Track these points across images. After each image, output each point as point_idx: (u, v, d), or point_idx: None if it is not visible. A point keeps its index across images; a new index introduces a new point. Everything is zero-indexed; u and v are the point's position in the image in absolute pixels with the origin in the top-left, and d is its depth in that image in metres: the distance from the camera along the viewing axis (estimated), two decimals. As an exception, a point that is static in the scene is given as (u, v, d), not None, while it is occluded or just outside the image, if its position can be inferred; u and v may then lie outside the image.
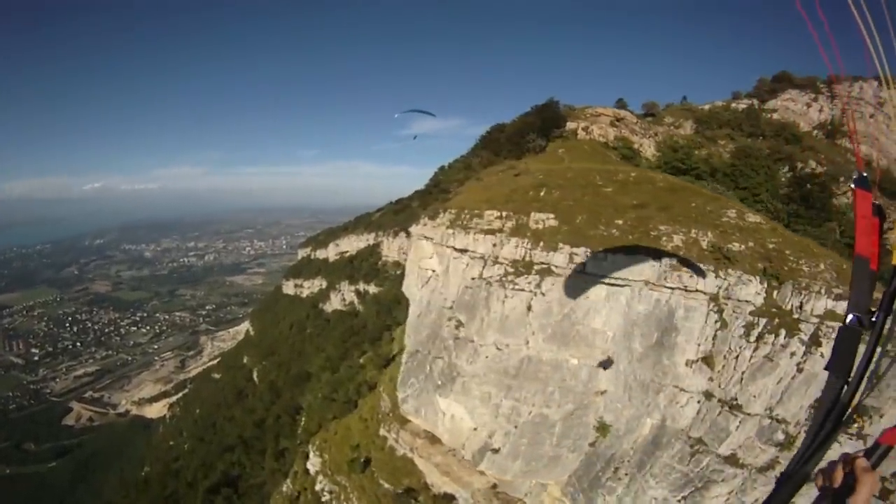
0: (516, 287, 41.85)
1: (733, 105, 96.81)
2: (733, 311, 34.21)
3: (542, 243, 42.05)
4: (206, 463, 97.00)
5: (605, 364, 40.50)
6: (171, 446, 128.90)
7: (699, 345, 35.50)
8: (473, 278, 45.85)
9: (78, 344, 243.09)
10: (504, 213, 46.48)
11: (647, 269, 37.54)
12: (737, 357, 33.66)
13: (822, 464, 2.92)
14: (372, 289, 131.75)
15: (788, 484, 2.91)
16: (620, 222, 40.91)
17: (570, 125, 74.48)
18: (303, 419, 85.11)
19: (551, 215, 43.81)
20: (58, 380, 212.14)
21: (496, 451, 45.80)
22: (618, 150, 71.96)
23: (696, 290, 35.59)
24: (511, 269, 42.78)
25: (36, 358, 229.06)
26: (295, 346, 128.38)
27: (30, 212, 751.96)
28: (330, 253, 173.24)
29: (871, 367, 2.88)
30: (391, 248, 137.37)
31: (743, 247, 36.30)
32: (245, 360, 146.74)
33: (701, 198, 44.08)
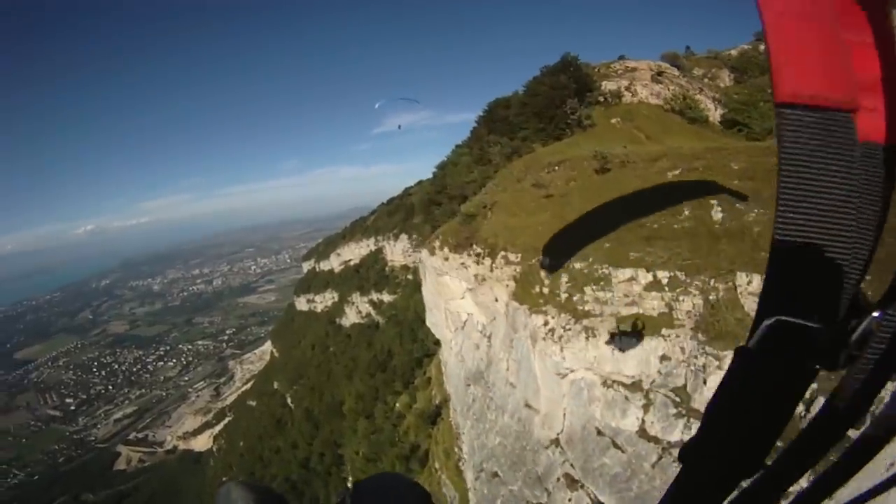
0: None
1: (762, 47, 68.45)
2: None
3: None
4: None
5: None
6: (223, 483, 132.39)
7: None
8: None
9: (110, 387, 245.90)
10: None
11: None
12: None
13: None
14: (386, 297, 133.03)
15: None
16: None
17: (609, 85, 59.15)
18: (349, 474, 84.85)
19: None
20: (99, 426, 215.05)
21: None
22: (682, 113, 57.17)
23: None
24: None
25: (72, 407, 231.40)
26: (321, 366, 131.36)
27: (29, 264, 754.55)
28: (333, 263, 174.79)
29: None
30: (395, 253, 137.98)
31: None
32: (276, 386, 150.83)
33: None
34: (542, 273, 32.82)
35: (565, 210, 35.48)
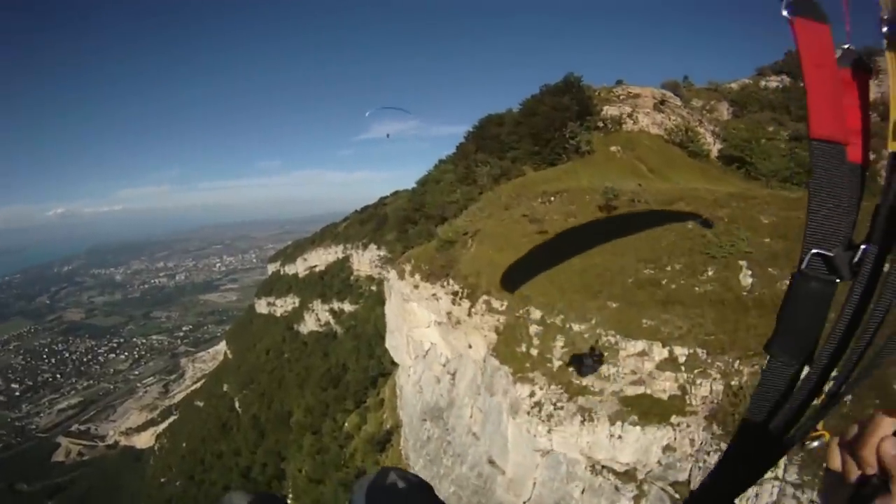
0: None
1: (763, 83, 75.68)
2: None
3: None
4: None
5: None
6: (161, 484, 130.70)
7: None
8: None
9: (58, 376, 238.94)
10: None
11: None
12: None
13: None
14: (347, 307, 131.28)
15: None
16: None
17: (610, 110, 57.64)
18: (289, 491, 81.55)
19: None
20: (42, 415, 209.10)
21: None
22: (683, 145, 56.12)
23: None
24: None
25: (17, 393, 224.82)
26: (274, 372, 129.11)
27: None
28: (299, 268, 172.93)
29: (867, 339, 1.56)
30: (361, 262, 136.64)
31: None
32: (225, 388, 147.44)
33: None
34: (532, 330, 28.34)
35: (562, 251, 31.75)
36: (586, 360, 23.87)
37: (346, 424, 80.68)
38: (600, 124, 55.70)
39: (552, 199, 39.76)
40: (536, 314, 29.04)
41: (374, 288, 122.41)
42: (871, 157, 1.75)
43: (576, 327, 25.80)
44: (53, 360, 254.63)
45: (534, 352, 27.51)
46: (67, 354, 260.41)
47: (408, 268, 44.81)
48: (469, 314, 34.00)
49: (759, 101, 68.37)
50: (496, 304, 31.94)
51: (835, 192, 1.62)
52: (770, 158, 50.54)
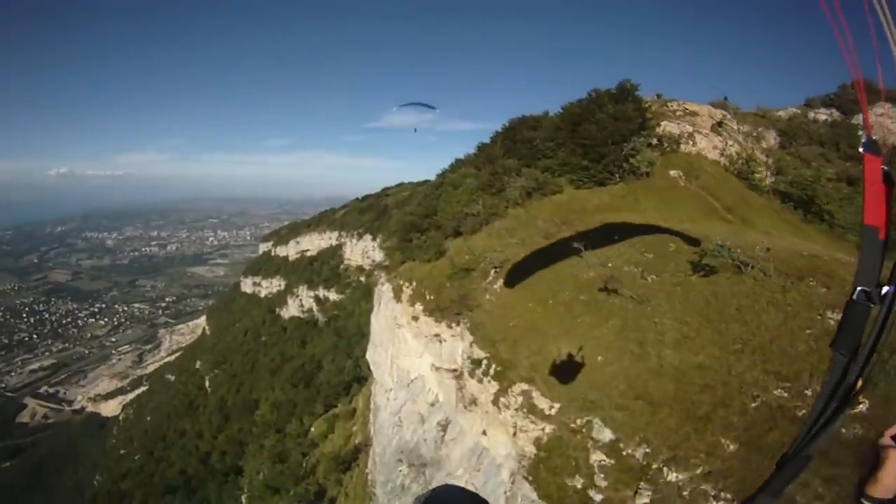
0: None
1: (811, 114, 69.20)
2: None
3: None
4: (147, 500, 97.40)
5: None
6: (121, 456, 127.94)
7: None
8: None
9: (34, 336, 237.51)
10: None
11: None
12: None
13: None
14: (333, 295, 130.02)
15: (790, 466, 2.68)
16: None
17: (669, 127, 51.85)
18: (244, 492, 78.50)
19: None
20: (13, 374, 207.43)
21: None
22: (743, 176, 49.87)
23: None
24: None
25: None
26: (248, 355, 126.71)
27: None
28: (290, 251, 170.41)
29: (882, 343, 2.60)
30: (354, 252, 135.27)
31: None
32: (198, 365, 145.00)
33: None
34: (595, 459, 19.15)
35: (646, 334, 22.31)
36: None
37: (313, 429, 77.81)
38: (654, 141, 48.60)
39: (616, 237, 30.85)
40: (605, 435, 19.52)
41: (362, 279, 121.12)
42: None
43: (672, 475, 17.18)
44: (32, 320, 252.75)
45: (597, 497, 18.45)
46: (47, 315, 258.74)
47: (407, 289, 39.79)
48: (496, 403, 25.15)
49: (808, 133, 61.79)
50: (542, 402, 22.64)
51: (871, 255, 2.52)
52: (842, 205, 44.08)
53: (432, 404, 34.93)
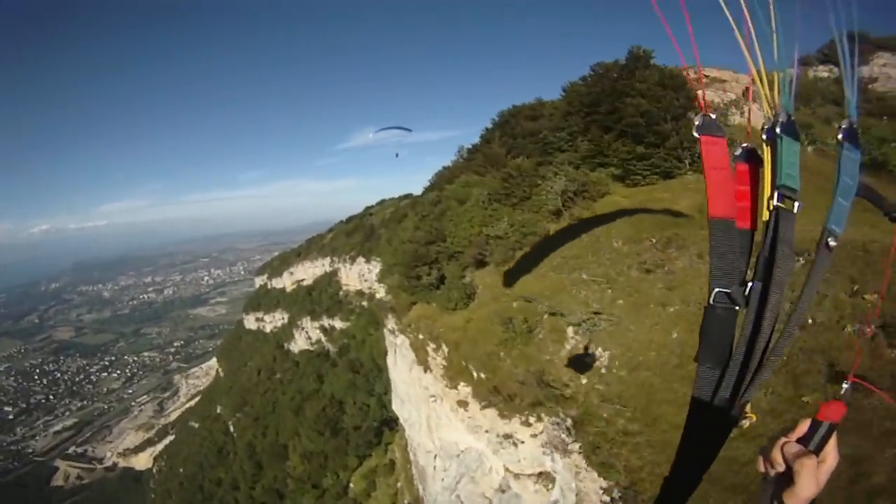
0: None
1: (811, 74, 68.03)
2: None
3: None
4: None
5: None
6: None
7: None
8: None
9: (51, 397, 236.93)
10: None
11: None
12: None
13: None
14: (338, 324, 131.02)
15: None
16: None
17: (708, 96, 42.50)
18: None
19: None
20: (37, 437, 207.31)
21: None
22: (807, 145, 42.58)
23: None
24: None
25: (11, 416, 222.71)
26: (267, 395, 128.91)
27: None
28: (286, 282, 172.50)
29: (762, 347, 2.22)
30: (350, 277, 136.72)
31: None
32: (219, 410, 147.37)
33: None
34: None
35: None
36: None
37: (352, 485, 75.39)
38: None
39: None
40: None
41: (364, 304, 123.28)
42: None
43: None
44: (45, 381, 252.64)
45: None
46: (59, 374, 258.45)
47: (436, 356, 31.04)
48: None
49: (819, 93, 58.92)
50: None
51: (727, 250, 2.36)
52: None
53: (503, 491, 27.72)
